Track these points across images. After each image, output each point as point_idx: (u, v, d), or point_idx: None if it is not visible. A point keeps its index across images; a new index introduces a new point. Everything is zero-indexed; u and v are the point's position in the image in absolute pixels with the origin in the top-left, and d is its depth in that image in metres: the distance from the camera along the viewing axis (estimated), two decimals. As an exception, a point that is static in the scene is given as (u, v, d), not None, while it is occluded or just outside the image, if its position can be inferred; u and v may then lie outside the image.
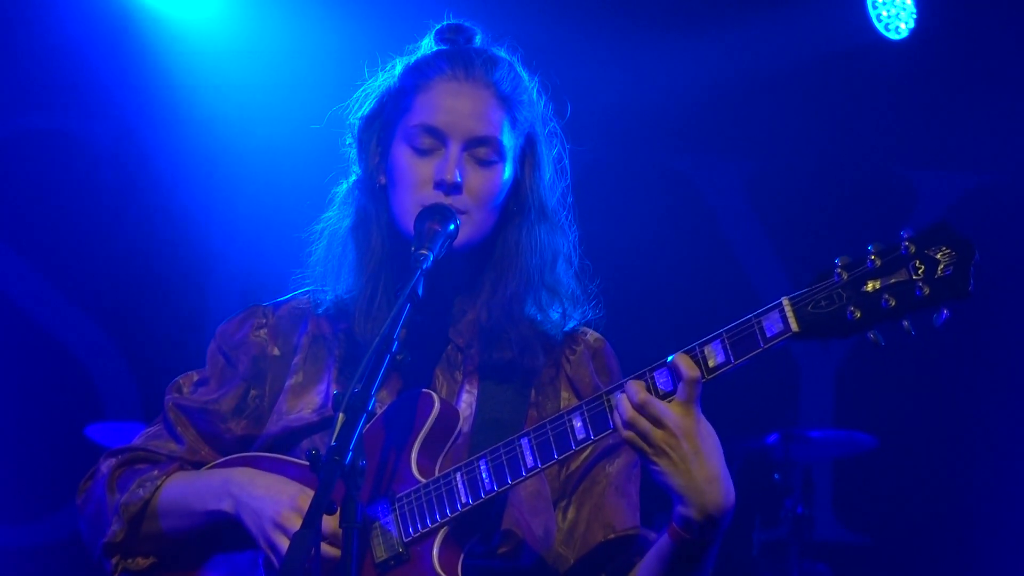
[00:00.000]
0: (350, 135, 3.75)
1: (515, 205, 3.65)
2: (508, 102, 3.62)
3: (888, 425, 8.09)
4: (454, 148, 3.55)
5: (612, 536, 3.51)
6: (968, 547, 8.37)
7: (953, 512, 8.36)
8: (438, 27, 3.76)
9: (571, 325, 3.68)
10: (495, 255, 3.63)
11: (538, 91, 3.73)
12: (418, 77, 3.63)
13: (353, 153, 3.74)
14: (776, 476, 7.79)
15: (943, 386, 8.38)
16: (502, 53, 3.71)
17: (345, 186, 3.75)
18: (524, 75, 3.70)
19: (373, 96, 3.73)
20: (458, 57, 3.63)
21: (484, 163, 3.57)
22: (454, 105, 3.57)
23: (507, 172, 3.60)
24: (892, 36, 8.47)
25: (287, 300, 3.79)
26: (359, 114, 3.74)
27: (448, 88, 3.60)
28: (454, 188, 3.52)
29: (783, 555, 7.73)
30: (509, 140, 3.60)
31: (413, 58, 3.71)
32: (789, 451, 7.77)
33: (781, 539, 7.76)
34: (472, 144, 3.56)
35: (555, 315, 3.65)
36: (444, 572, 3.33)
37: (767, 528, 7.82)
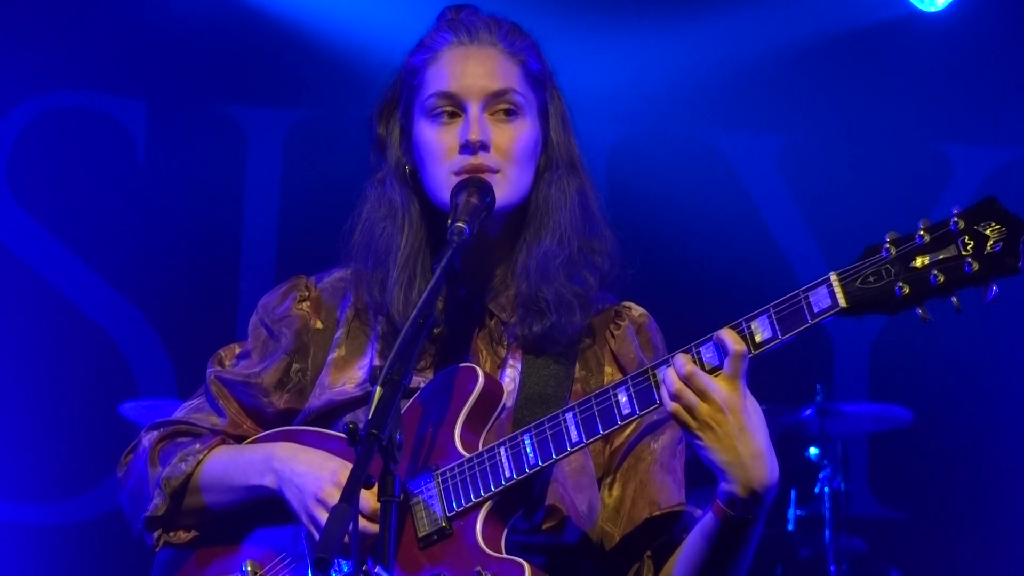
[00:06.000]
0: (370, 133, 3.73)
1: (543, 162, 3.62)
2: (517, 57, 3.59)
3: (924, 399, 8.07)
4: (474, 109, 3.53)
5: (657, 513, 3.49)
6: (1005, 522, 8.35)
7: (990, 487, 8.34)
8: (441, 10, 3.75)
9: (609, 286, 3.66)
10: (528, 216, 3.61)
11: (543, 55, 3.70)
12: (425, 53, 3.62)
13: (376, 148, 3.72)
14: (816, 450, 7.78)
15: (979, 359, 8.35)
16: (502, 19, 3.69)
17: (374, 180, 3.72)
18: (530, 35, 3.67)
19: (387, 89, 3.72)
20: (460, 25, 3.62)
21: (507, 118, 3.55)
22: (465, 68, 3.56)
23: (532, 126, 3.58)
24: (927, 8, 8.44)
25: (329, 273, 3.78)
26: (376, 109, 3.73)
27: (456, 54, 3.58)
28: (481, 147, 3.49)
29: (818, 530, 7.73)
30: (527, 93, 3.58)
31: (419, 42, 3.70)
32: (824, 426, 7.76)
33: (816, 514, 7.76)
34: (491, 101, 3.54)
35: (593, 274, 3.61)
36: (487, 547, 3.32)
37: (802, 503, 7.82)
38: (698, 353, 3.18)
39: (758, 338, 3.14)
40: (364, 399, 3.54)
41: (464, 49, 3.59)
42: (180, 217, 8.24)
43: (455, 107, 3.55)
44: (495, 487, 3.33)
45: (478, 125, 3.51)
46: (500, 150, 3.52)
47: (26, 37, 8.20)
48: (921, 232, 3.03)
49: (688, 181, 8.46)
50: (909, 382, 8.31)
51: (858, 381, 8.51)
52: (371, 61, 7.78)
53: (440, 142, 3.54)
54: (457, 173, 3.50)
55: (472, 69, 3.56)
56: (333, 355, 3.67)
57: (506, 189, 3.51)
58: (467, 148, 3.50)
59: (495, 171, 3.51)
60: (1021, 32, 8.43)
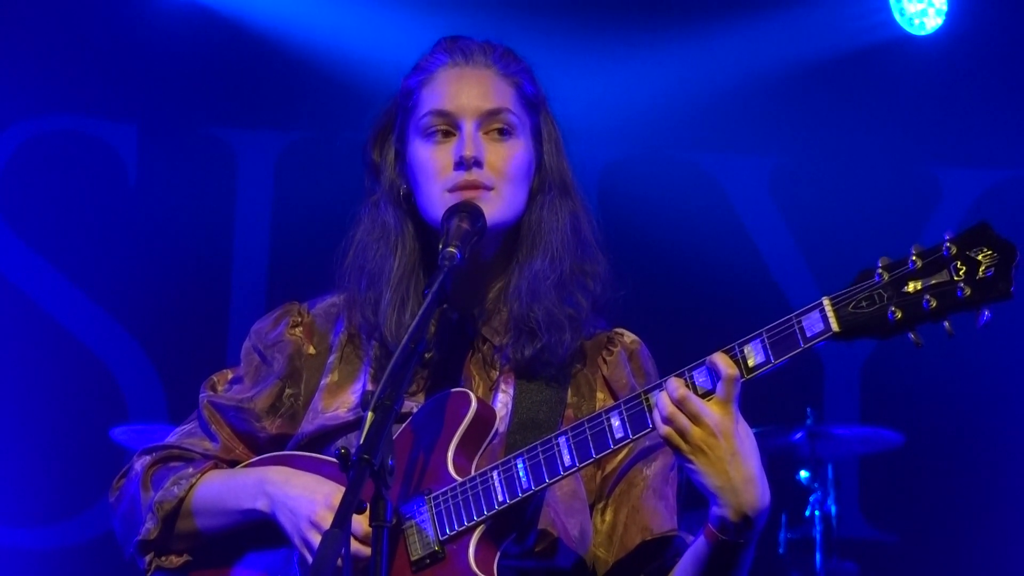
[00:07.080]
0: (364, 159, 3.74)
1: (536, 184, 3.64)
2: (512, 79, 3.62)
3: (915, 421, 8.08)
4: (468, 127, 3.54)
5: (650, 539, 3.50)
6: (997, 545, 8.35)
7: (981, 509, 8.34)
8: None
9: (600, 310, 3.67)
10: (520, 237, 3.62)
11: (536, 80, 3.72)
12: (420, 74, 3.64)
13: (371, 173, 3.73)
14: (806, 473, 7.78)
15: (970, 382, 8.36)
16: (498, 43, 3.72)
17: (368, 202, 3.73)
18: (523, 60, 3.69)
19: (382, 114, 3.74)
20: (456, 49, 3.64)
21: (501, 137, 3.56)
22: (460, 88, 3.58)
23: (526, 147, 3.59)
24: (916, 32, 8.48)
25: (323, 299, 3.78)
26: (371, 135, 3.74)
27: (451, 74, 3.61)
28: (475, 163, 3.50)
29: (809, 553, 7.72)
30: (521, 114, 3.60)
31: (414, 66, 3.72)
32: (815, 448, 7.76)
33: (807, 537, 7.75)
34: (485, 119, 3.55)
35: (585, 297, 3.61)
36: (480, 571, 3.32)
37: (793, 526, 7.81)
38: (691, 377, 3.19)
39: (751, 362, 3.14)
40: (357, 424, 3.51)
41: (459, 70, 3.61)
42: (171, 240, 8.24)
43: (449, 126, 3.56)
44: (488, 511, 3.33)
45: (472, 142, 3.53)
46: (494, 168, 3.53)
47: (17, 60, 8.21)
48: (913, 257, 3.04)
49: (680, 204, 8.47)
50: (899, 405, 8.32)
51: (848, 404, 8.52)
52: (363, 83, 7.80)
53: (434, 160, 3.55)
54: (451, 190, 3.52)
55: (467, 89, 3.58)
56: (326, 380, 3.67)
57: (499, 207, 3.52)
58: (461, 164, 3.51)
59: (489, 188, 3.52)
60: (1009, 55, 8.46)
